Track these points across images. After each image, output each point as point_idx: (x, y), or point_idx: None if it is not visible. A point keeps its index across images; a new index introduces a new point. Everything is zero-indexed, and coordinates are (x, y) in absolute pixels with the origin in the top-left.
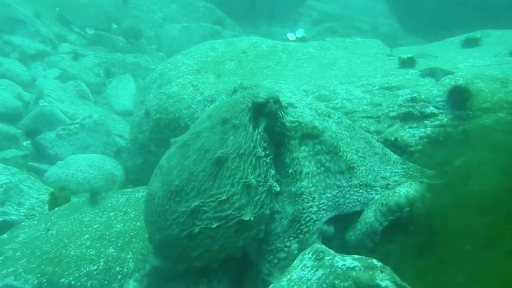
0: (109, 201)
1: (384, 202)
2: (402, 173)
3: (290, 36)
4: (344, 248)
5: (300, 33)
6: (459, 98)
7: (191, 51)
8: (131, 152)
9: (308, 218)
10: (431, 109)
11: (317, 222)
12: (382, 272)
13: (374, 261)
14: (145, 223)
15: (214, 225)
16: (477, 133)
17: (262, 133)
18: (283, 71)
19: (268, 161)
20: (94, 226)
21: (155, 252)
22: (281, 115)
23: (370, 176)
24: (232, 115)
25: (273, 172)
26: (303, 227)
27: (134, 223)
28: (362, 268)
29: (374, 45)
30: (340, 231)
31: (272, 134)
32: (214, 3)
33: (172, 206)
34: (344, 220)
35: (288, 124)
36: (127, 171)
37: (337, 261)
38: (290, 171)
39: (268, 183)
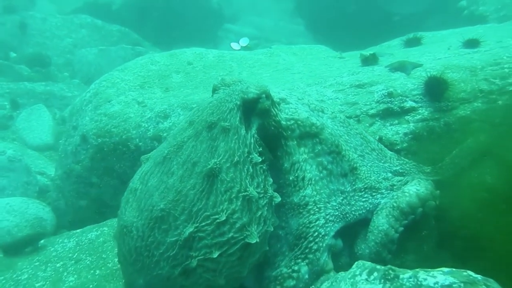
0: (52, 249)
1: (395, 205)
2: (401, 170)
3: (234, 45)
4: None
5: (244, 41)
6: (436, 89)
7: (128, 66)
8: (63, 189)
9: (316, 233)
10: (410, 103)
11: (326, 237)
12: (487, 286)
13: (471, 273)
14: (120, 265)
15: (215, 254)
16: (458, 125)
17: (255, 135)
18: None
19: (265, 168)
20: (37, 285)
21: None
22: (274, 112)
23: (373, 177)
24: (219, 117)
25: (271, 180)
26: (311, 244)
27: (92, 272)
28: (462, 285)
29: (321, 49)
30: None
31: (265, 135)
32: (129, 27)
33: (157, 237)
34: (345, 232)
35: (283, 122)
36: (59, 213)
37: (425, 279)
38: (291, 178)
39: (269, 194)
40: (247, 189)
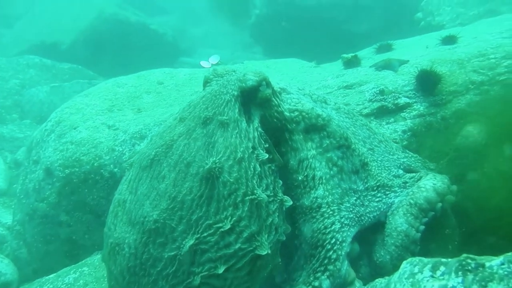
0: None
1: (412, 201)
2: (408, 163)
3: (204, 63)
4: (377, 273)
5: (215, 59)
6: (429, 83)
7: (92, 91)
8: (24, 235)
9: (334, 240)
10: (403, 99)
11: (344, 244)
12: None
13: None
14: None
15: (221, 270)
16: (455, 119)
17: (259, 129)
18: None
19: (273, 168)
20: None
21: None
22: (276, 102)
23: (384, 174)
24: (216, 111)
25: (281, 182)
26: (330, 253)
27: None
28: None
29: (294, 61)
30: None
31: (267, 129)
32: (81, 64)
33: (153, 252)
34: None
35: (287, 114)
36: (20, 263)
37: None
38: (300, 178)
39: (279, 197)
40: (255, 191)
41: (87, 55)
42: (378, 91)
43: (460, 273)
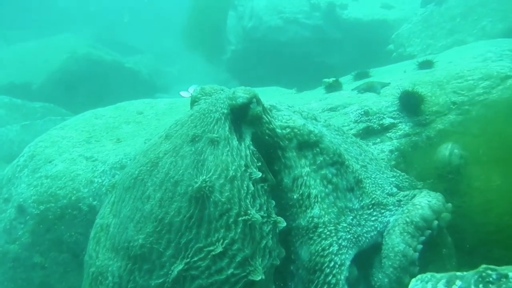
0: None
1: (407, 219)
2: (396, 182)
3: (184, 93)
4: None
5: (194, 89)
6: (412, 103)
7: (69, 124)
8: None
9: (332, 263)
10: (388, 120)
11: (343, 267)
12: None
13: None
14: None
15: None
16: (438, 138)
17: (251, 147)
18: None
19: (266, 187)
20: None
21: None
22: (267, 119)
23: (378, 192)
24: (205, 129)
25: (273, 202)
26: (329, 278)
27: None
28: None
29: (273, 89)
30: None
31: (259, 147)
32: (54, 103)
33: (139, 280)
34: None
35: (278, 130)
36: None
37: None
38: (295, 197)
39: (272, 218)
40: (248, 211)
41: (59, 94)
42: (362, 112)
43: (480, 286)
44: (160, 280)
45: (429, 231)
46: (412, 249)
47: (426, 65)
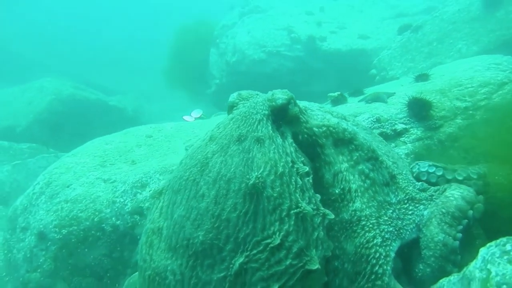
0: None
1: (443, 211)
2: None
3: (188, 118)
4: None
5: (197, 113)
6: (421, 109)
7: (80, 151)
8: None
9: (378, 255)
10: (400, 125)
11: (389, 258)
12: None
13: None
14: None
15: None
16: (449, 142)
17: (294, 144)
18: None
19: (311, 181)
20: None
21: None
22: (304, 119)
23: (410, 187)
24: (249, 129)
25: (319, 196)
26: (376, 268)
27: None
28: None
29: None
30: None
31: (299, 146)
32: (38, 143)
33: (201, 276)
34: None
35: (316, 129)
36: None
37: None
38: (337, 192)
39: (321, 211)
40: (299, 204)
41: (45, 135)
42: (375, 119)
43: None
44: (222, 274)
45: (466, 220)
46: (451, 238)
47: (423, 78)
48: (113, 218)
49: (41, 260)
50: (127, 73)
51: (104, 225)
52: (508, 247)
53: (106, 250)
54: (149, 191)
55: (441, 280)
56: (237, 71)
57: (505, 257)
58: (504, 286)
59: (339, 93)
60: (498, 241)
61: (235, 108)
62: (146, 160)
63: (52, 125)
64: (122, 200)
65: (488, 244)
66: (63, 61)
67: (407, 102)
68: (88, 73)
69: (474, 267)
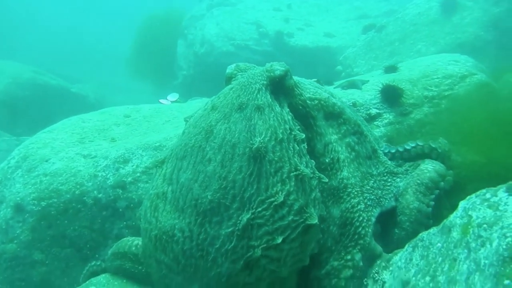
0: None
1: (418, 181)
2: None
3: (164, 101)
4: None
5: (173, 96)
6: (394, 95)
7: (56, 127)
8: None
9: (361, 218)
10: (374, 110)
11: (370, 222)
12: None
13: None
14: (161, 281)
15: (279, 240)
16: (417, 127)
17: (290, 113)
18: None
19: (306, 147)
20: None
21: None
22: (299, 91)
23: (389, 162)
24: (249, 97)
25: (313, 162)
26: (359, 229)
27: None
28: None
29: None
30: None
31: (294, 117)
32: None
33: (210, 231)
34: None
35: (309, 102)
36: None
37: None
38: (327, 161)
39: (317, 174)
40: (298, 167)
41: (3, 119)
42: (351, 104)
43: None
44: (230, 229)
45: (438, 190)
46: (425, 205)
47: (392, 69)
48: (95, 192)
49: (17, 232)
50: (91, 63)
51: (85, 197)
52: (487, 195)
53: (87, 222)
54: (132, 167)
55: (420, 234)
56: (205, 63)
57: (485, 203)
58: (485, 225)
59: (316, 79)
60: (478, 192)
61: (233, 79)
62: (126, 138)
63: (10, 109)
64: (104, 175)
65: (467, 197)
66: (24, 48)
67: (380, 89)
68: (50, 62)
69: (454, 217)
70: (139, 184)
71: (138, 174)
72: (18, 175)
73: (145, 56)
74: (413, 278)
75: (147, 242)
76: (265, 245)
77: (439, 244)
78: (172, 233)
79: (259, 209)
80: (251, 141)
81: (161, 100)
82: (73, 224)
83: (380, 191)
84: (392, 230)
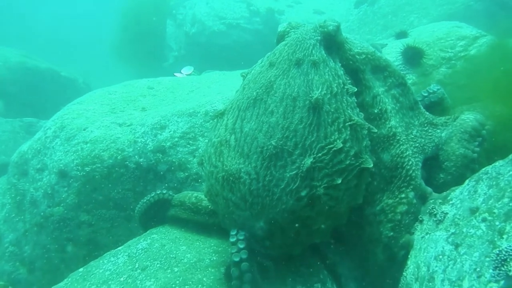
0: (100, 271)
1: (462, 130)
2: None
3: (179, 75)
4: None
5: (188, 69)
6: (416, 57)
7: (85, 100)
8: (22, 255)
9: (410, 162)
10: None
11: (418, 166)
12: None
13: None
14: (229, 216)
15: (339, 181)
16: None
17: (342, 68)
18: (215, 88)
19: (356, 101)
20: None
21: (264, 244)
22: (348, 46)
23: (428, 113)
24: (305, 53)
25: (362, 114)
26: (410, 172)
27: (169, 271)
28: None
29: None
30: None
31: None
32: None
33: (275, 174)
34: None
35: (358, 56)
36: (20, 286)
37: None
38: (376, 111)
39: (367, 125)
40: (352, 118)
41: None
42: None
43: None
44: (294, 172)
45: (480, 138)
46: (471, 151)
47: (402, 35)
48: (136, 156)
49: (63, 196)
50: (77, 49)
51: (127, 162)
52: None
53: (130, 185)
54: (169, 132)
55: (483, 168)
56: (197, 42)
57: None
58: None
59: None
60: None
61: (286, 36)
62: (156, 108)
63: (1, 93)
64: (143, 140)
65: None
66: (8, 35)
67: (402, 51)
68: (34, 49)
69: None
70: (178, 148)
71: (176, 139)
72: (58, 144)
73: (131, 38)
74: (483, 205)
75: (213, 183)
76: (326, 185)
77: (511, 172)
78: (238, 175)
79: (319, 154)
80: (310, 95)
81: (176, 74)
82: (116, 187)
83: (422, 140)
84: (436, 175)
